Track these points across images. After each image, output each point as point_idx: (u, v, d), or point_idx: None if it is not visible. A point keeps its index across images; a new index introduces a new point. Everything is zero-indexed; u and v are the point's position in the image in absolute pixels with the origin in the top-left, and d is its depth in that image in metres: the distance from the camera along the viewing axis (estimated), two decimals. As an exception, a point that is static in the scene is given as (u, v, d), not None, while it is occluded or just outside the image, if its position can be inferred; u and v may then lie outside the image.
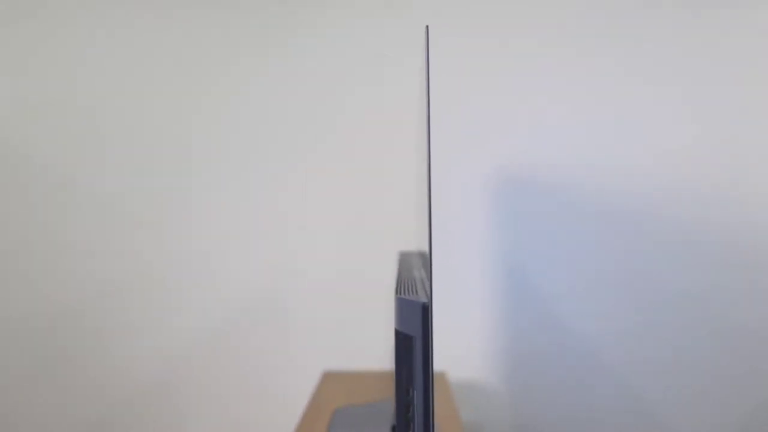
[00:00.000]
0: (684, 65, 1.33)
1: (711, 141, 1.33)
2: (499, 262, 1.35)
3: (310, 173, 1.36)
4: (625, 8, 1.34)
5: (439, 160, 1.35)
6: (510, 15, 1.35)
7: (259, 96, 1.35)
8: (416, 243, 1.27)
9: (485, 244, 1.35)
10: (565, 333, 1.35)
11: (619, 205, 1.34)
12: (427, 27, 0.54)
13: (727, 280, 1.33)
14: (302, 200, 1.36)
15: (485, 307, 1.36)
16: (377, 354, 1.36)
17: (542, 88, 1.34)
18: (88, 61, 1.36)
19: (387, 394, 1.18)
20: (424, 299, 0.56)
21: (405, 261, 0.96)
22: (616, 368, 1.35)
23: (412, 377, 0.59)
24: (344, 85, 1.35)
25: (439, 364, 1.34)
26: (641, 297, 1.34)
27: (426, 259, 0.83)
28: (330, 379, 1.27)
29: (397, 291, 0.62)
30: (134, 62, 1.35)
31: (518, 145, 1.35)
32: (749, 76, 1.33)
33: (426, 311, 0.55)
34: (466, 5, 1.34)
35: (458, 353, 1.36)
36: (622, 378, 1.35)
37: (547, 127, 1.34)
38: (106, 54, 1.35)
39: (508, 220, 1.35)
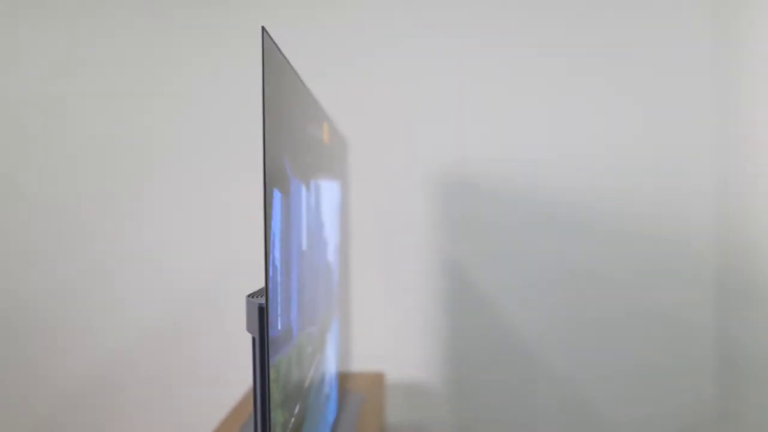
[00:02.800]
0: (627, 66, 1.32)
1: (653, 138, 1.32)
2: (440, 262, 1.35)
3: (253, 174, 1.36)
4: (561, 15, 1.32)
5: (382, 158, 1.35)
6: (451, 17, 1.34)
7: (203, 100, 1.35)
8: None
9: (428, 245, 1.35)
10: (506, 333, 1.34)
11: (560, 206, 1.33)
12: (263, 28, 0.54)
13: (667, 276, 1.32)
14: (246, 201, 1.36)
15: (426, 308, 1.35)
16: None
17: (474, 89, 1.34)
18: (36, 60, 1.36)
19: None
20: (262, 301, 0.56)
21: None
22: (556, 367, 1.34)
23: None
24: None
25: (378, 365, 1.34)
26: (582, 297, 1.33)
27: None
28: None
29: (252, 294, 0.62)
30: (81, 69, 1.36)
31: (461, 144, 1.34)
32: (668, 74, 1.31)
33: (262, 313, 0.55)
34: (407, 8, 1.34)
35: (398, 354, 1.35)
36: (562, 377, 1.34)
37: (486, 128, 1.34)
38: (54, 54, 1.36)
39: (448, 220, 1.35)
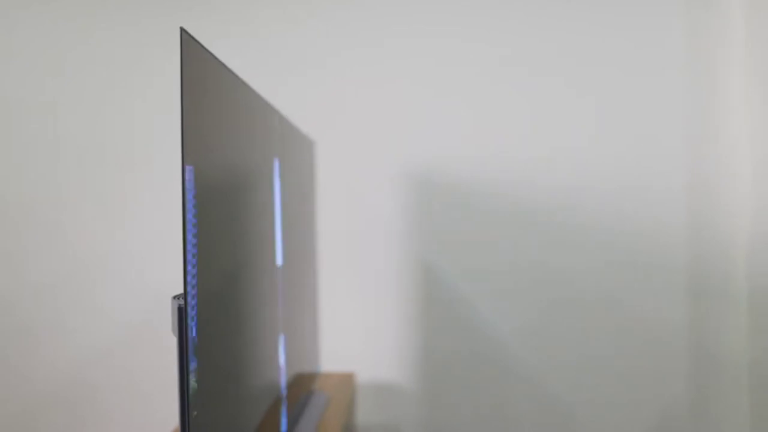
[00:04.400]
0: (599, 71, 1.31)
1: (626, 137, 1.31)
2: (412, 261, 1.34)
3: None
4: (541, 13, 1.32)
5: (352, 159, 1.35)
6: (418, 15, 1.34)
7: (165, 97, 1.36)
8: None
9: (398, 245, 1.35)
10: (477, 333, 1.34)
11: (532, 205, 1.32)
12: (181, 28, 0.54)
13: (636, 279, 1.31)
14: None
15: (398, 307, 1.35)
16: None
17: (452, 88, 1.33)
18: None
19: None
20: (181, 302, 0.56)
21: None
22: (528, 368, 1.33)
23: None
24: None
25: (349, 365, 1.34)
26: (554, 297, 1.33)
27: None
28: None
29: (177, 295, 0.62)
30: (48, 70, 1.37)
31: (430, 144, 1.34)
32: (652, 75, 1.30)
33: (181, 313, 0.55)
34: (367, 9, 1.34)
35: (370, 354, 1.35)
36: (534, 378, 1.33)
37: (460, 127, 1.33)
38: (27, 61, 1.37)
39: (421, 220, 1.34)
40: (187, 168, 0.54)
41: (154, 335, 1.37)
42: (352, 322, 1.35)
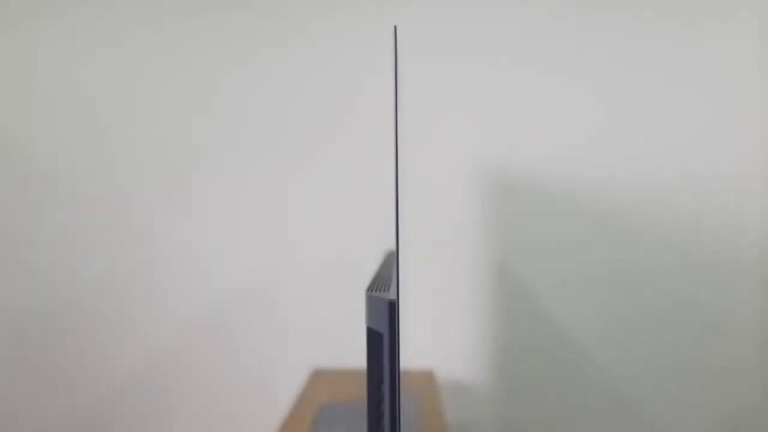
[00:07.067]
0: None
1: (699, 135, 1.34)
2: (488, 259, 1.36)
3: (301, 168, 1.36)
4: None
5: (424, 156, 1.35)
6: (485, 14, 1.35)
7: (242, 96, 1.35)
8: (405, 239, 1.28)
9: (474, 241, 1.36)
10: (554, 331, 1.35)
11: (610, 201, 1.34)
12: (395, 27, 0.54)
13: (715, 279, 1.33)
14: (294, 195, 1.37)
15: (474, 305, 1.36)
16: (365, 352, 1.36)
17: (529, 84, 1.35)
18: (83, 60, 1.36)
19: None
20: (392, 296, 0.57)
21: (389, 258, 0.97)
22: (606, 366, 1.35)
23: (381, 373, 0.60)
24: (327, 84, 1.35)
25: (426, 362, 1.35)
26: (632, 295, 1.35)
27: (394, 256, 0.83)
28: (318, 377, 1.28)
29: (369, 288, 0.62)
30: (126, 62, 1.36)
31: (503, 141, 1.35)
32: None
33: (392, 308, 0.56)
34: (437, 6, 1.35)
35: (446, 351, 1.36)
36: (612, 376, 1.35)
37: (533, 123, 1.35)
38: (101, 53, 1.36)
39: (497, 216, 1.36)
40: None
41: (222, 334, 1.37)
42: (429, 318, 1.36)
